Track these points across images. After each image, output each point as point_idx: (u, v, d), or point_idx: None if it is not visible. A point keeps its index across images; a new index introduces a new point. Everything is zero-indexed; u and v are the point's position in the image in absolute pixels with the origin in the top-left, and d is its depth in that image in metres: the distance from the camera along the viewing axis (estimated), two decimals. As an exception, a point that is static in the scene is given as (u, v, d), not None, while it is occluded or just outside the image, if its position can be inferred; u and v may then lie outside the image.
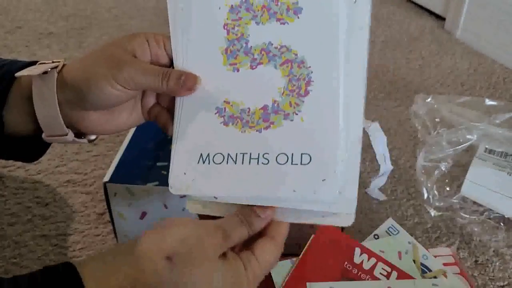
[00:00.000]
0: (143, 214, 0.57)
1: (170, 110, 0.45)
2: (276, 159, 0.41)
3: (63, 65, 0.44)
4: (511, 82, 0.94)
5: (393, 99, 0.88)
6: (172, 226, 0.37)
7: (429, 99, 0.75)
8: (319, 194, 0.39)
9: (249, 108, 0.42)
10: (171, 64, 0.44)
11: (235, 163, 0.41)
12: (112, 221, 0.59)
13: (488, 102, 0.76)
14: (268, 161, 0.41)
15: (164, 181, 0.55)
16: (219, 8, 0.43)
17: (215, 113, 0.43)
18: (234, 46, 0.43)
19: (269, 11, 0.42)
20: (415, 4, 1.18)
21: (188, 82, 0.42)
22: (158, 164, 0.58)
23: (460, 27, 1.05)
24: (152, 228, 0.37)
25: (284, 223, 0.41)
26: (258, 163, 0.41)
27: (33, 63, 0.45)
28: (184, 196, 0.44)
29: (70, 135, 0.44)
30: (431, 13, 1.15)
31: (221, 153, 0.42)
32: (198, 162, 0.42)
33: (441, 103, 0.75)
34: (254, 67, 0.43)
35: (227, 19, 0.43)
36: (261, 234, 0.40)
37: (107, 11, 1.17)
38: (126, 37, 0.43)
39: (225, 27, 0.43)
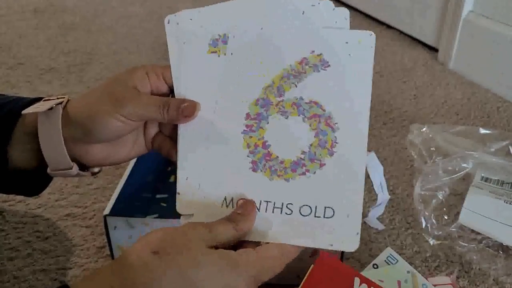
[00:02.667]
0: (143, 247, 0.57)
1: (173, 138, 0.46)
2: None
3: (68, 101, 0.45)
4: (505, 111, 0.95)
5: (389, 129, 0.89)
6: (155, 229, 0.39)
7: (424, 129, 0.76)
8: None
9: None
10: (170, 93, 0.45)
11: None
12: (112, 254, 0.59)
13: (483, 130, 0.77)
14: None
15: (163, 213, 0.55)
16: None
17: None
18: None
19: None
20: (408, 36, 1.21)
21: (188, 109, 0.43)
22: (158, 196, 0.58)
23: (452, 58, 1.07)
24: None
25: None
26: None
27: (38, 99, 0.46)
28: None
29: (75, 169, 0.45)
30: (424, 44, 1.18)
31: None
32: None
33: (436, 132, 0.76)
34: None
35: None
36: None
37: (107, 46, 1.20)
38: (127, 72, 0.44)
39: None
